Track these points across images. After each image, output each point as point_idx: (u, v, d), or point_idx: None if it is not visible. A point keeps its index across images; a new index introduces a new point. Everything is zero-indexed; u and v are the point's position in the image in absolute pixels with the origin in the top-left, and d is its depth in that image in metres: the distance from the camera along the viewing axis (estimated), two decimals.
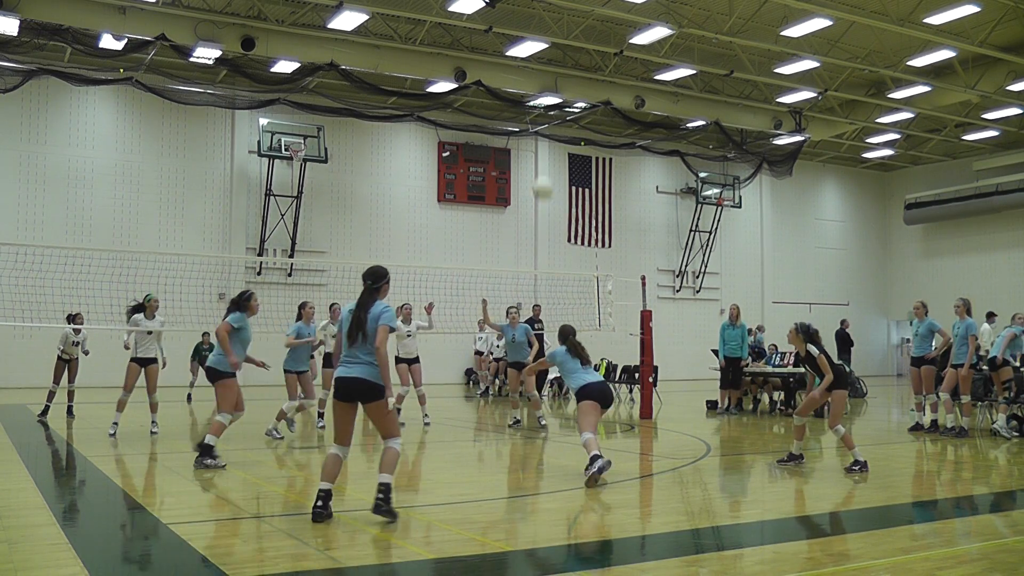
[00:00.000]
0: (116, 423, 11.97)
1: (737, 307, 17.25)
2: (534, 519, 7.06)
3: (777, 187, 33.70)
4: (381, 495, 6.49)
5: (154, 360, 12.25)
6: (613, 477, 8.75)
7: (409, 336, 13.66)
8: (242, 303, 9.54)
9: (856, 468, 9.15)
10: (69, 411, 14.50)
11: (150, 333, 12.13)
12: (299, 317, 12.30)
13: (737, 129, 28.22)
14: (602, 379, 9.26)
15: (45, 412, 14.25)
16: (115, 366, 16.29)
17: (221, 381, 9.23)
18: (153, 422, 12.22)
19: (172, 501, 7.60)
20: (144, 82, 21.45)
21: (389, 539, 6.06)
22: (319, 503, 6.47)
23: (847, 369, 21.53)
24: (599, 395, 8.88)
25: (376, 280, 6.73)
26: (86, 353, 14.58)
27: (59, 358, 14.42)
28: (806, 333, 9.46)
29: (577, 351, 9.03)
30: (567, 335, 9.25)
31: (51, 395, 14.46)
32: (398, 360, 13.63)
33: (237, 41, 19.91)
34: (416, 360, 13.77)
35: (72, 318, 14.53)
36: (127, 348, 12.32)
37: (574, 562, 5.74)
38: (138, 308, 12.18)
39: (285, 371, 12.00)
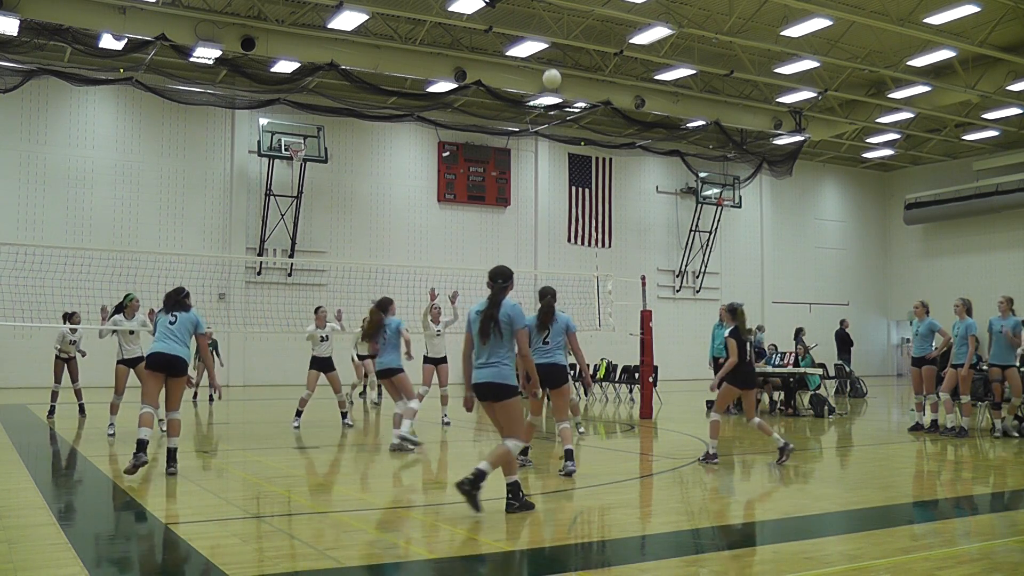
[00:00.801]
0: (112, 424, 12.02)
1: (724, 307, 17.27)
2: (534, 519, 7.06)
3: (777, 187, 33.70)
4: (510, 495, 6.87)
5: (141, 359, 11.87)
6: (613, 477, 8.75)
7: (438, 335, 13.70)
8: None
9: (704, 459, 9.62)
10: (81, 409, 14.64)
11: (132, 333, 12.04)
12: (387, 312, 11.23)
13: (737, 129, 28.22)
14: (548, 360, 8.84)
15: (52, 412, 14.39)
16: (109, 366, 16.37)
17: (182, 377, 8.85)
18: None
19: (172, 501, 7.59)
20: (144, 82, 21.45)
21: (389, 539, 6.06)
22: (510, 495, 6.86)
23: (847, 369, 21.71)
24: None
25: (505, 279, 7.03)
26: (83, 354, 14.63)
27: (57, 357, 14.48)
28: (731, 312, 10.12)
29: (542, 317, 8.97)
30: (544, 295, 9.13)
31: (54, 395, 14.54)
32: (426, 360, 13.71)
33: (237, 41, 19.92)
34: (443, 360, 13.83)
35: (68, 317, 14.57)
36: (100, 336, 12.49)
37: (574, 562, 5.74)
38: (118, 308, 12.05)
39: (396, 369, 10.99)
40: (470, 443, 12.59)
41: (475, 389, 6.93)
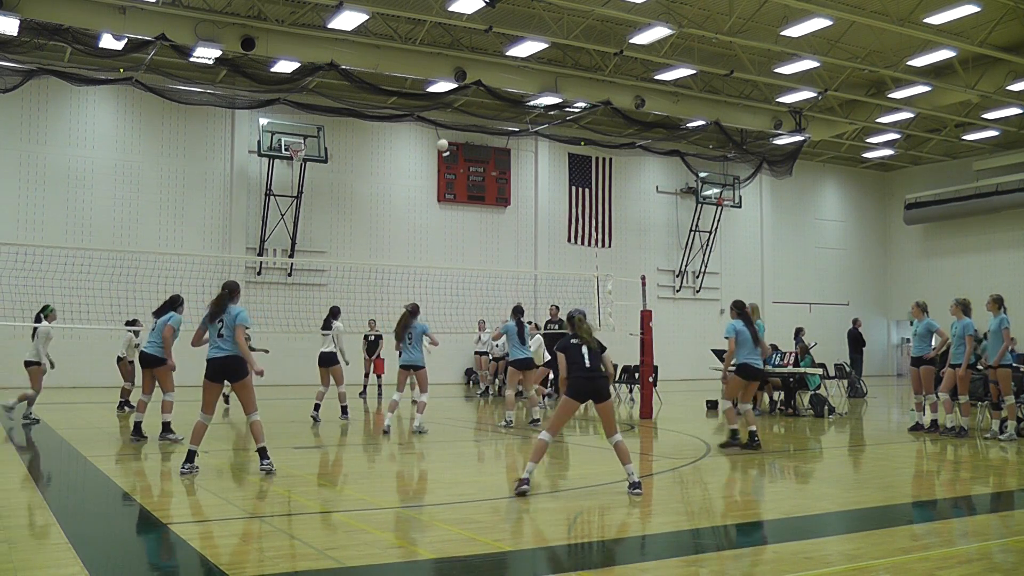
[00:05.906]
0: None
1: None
2: (534, 519, 7.06)
3: (777, 187, 33.69)
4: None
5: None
6: (613, 477, 8.75)
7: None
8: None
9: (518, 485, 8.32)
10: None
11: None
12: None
13: (737, 129, 28.21)
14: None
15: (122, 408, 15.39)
16: (112, 365, 16.42)
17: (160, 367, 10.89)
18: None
19: (172, 501, 7.60)
20: (144, 82, 21.43)
21: (389, 539, 6.07)
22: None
23: (847, 369, 21.61)
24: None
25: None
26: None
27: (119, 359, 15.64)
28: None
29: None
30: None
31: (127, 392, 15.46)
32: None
33: (237, 41, 19.90)
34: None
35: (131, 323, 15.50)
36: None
37: (574, 562, 5.74)
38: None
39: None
40: (469, 443, 12.59)
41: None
